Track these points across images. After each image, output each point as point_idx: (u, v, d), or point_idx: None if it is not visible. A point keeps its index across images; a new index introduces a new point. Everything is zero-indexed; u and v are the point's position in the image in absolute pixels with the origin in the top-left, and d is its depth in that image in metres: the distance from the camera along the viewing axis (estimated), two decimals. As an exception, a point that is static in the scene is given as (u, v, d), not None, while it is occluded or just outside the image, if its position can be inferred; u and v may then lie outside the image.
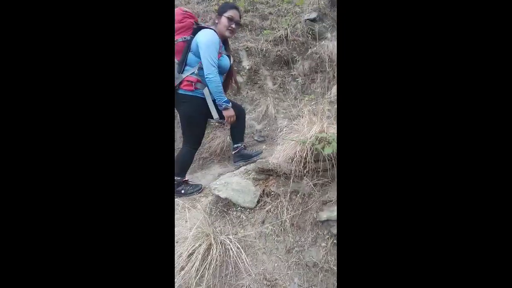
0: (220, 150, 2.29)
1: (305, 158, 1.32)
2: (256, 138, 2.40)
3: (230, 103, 1.72)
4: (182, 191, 1.74)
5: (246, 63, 2.84)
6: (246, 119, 2.03)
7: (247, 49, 2.86)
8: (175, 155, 1.77)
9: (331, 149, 1.23)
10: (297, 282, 1.14)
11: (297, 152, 1.33)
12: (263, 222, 1.34)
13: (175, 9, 1.63)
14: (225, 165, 2.19)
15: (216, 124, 2.42)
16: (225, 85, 1.84)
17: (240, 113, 1.88)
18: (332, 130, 1.33)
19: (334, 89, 2.55)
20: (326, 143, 1.25)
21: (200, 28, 1.66)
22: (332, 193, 1.29)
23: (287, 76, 2.87)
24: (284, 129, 1.62)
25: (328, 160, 1.28)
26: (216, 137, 2.36)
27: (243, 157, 1.94)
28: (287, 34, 2.90)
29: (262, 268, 1.18)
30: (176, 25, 1.61)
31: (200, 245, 1.18)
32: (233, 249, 1.19)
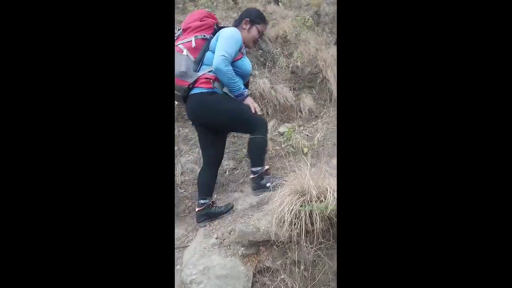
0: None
1: (300, 219, 1.16)
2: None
3: (248, 90, 1.51)
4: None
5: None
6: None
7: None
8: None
9: (331, 207, 1.12)
10: None
11: (292, 211, 1.15)
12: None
13: (198, 10, 1.50)
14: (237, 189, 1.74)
15: None
16: None
17: (261, 125, 1.51)
18: (328, 181, 1.22)
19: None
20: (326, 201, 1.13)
21: (221, 27, 1.49)
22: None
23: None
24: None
25: (328, 218, 1.16)
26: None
27: (262, 187, 1.52)
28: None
29: None
30: (195, 23, 1.47)
31: None
32: None
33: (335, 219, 1.15)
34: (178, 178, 2.02)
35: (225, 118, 1.48)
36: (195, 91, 1.44)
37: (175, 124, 2.14)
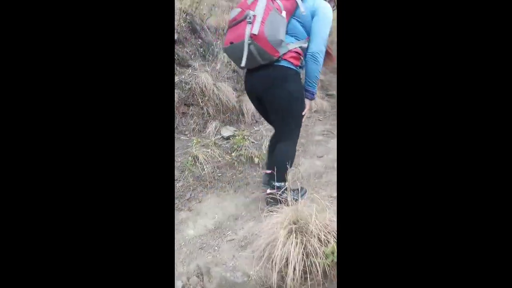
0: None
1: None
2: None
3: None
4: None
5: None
6: None
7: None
8: (272, 157, 1.35)
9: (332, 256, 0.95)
10: None
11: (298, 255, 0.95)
12: None
13: None
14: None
15: None
16: None
17: (297, 133, 1.36)
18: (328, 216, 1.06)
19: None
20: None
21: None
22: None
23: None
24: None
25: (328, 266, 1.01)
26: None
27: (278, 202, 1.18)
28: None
29: None
30: None
31: None
32: None
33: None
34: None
35: (286, 103, 1.21)
36: (283, 63, 1.16)
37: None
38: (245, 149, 2.03)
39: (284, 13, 1.10)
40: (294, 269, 0.92)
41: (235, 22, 1.12)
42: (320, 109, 2.95)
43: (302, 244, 0.96)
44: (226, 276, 0.99)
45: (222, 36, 2.95)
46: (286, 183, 1.24)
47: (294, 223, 1.01)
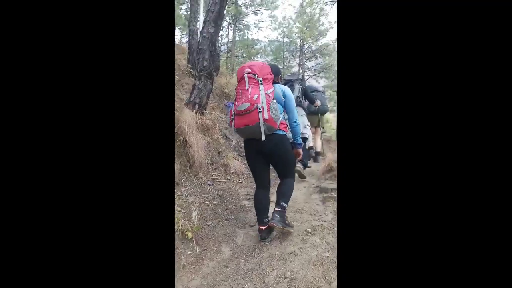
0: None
1: None
2: None
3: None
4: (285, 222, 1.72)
5: None
6: None
7: None
8: (282, 187, 1.80)
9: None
10: None
11: None
12: None
13: (264, 64, 1.75)
14: None
15: None
16: None
17: (293, 172, 1.99)
18: None
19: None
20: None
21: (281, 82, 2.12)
22: None
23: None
24: None
25: None
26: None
27: (284, 221, 1.71)
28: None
29: None
30: (270, 76, 1.71)
31: None
32: None
33: None
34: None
35: (286, 157, 1.78)
36: (279, 132, 1.70)
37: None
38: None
39: (274, 100, 1.66)
40: None
41: (248, 112, 1.59)
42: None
43: None
44: None
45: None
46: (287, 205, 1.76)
47: None
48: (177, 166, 2.51)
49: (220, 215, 2.09)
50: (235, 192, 2.55)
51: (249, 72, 1.64)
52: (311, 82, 16.24)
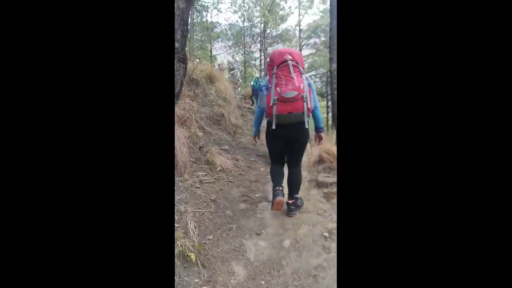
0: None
1: None
2: None
3: None
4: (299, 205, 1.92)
5: None
6: None
7: None
8: (290, 178, 1.88)
9: None
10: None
11: None
12: None
13: (296, 51, 1.81)
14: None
15: None
16: None
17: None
18: None
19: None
20: None
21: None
22: None
23: None
24: None
25: None
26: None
27: (298, 207, 1.91)
28: None
29: None
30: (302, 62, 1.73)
31: None
32: None
33: None
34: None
35: (304, 145, 1.89)
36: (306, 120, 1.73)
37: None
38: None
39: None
40: None
41: (294, 100, 1.60)
42: (225, 168, 2.72)
43: None
44: None
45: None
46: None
47: None
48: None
49: (220, 225, 1.79)
50: (229, 194, 2.25)
51: (291, 59, 1.63)
52: (273, 68, 16.17)
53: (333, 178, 2.34)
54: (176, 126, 2.57)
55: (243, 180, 2.55)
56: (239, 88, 9.47)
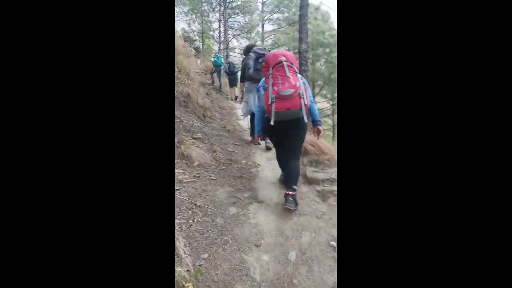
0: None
1: None
2: None
3: None
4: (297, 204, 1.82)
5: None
6: None
7: None
8: (289, 170, 1.84)
9: None
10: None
11: None
12: None
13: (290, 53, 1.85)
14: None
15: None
16: None
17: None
18: None
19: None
20: None
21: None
22: None
23: None
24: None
25: None
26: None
27: (295, 204, 1.81)
28: None
29: None
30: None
31: None
32: None
33: None
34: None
35: (302, 140, 1.93)
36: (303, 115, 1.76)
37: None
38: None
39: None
40: None
41: (291, 97, 1.67)
42: (203, 163, 2.38)
43: None
44: None
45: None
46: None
47: None
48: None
49: (213, 239, 1.53)
50: (214, 196, 1.96)
51: (285, 60, 1.73)
52: (233, 42, 15.08)
53: (323, 174, 2.24)
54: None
55: (226, 177, 2.27)
56: (199, 61, 8.63)
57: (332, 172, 2.24)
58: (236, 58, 12.80)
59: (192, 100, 3.97)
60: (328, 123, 10.27)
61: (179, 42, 5.35)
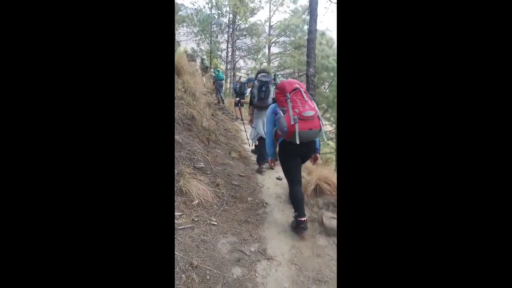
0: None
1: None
2: None
3: None
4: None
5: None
6: None
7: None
8: (299, 194, 1.84)
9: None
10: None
11: None
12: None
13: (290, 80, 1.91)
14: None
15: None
16: None
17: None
18: None
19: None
20: None
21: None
22: None
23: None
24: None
25: None
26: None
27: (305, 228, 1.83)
28: None
29: None
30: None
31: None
32: None
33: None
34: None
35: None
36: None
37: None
38: None
39: None
40: None
41: (312, 118, 1.73)
42: (204, 201, 2.04)
43: None
44: None
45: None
46: None
47: None
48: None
49: (212, 321, 1.15)
50: (215, 249, 1.60)
51: (300, 87, 1.80)
52: (239, 62, 15.16)
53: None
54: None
55: (229, 221, 1.92)
56: (205, 79, 8.50)
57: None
58: (244, 78, 12.78)
59: (197, 122, 3.70)
60: (332, 146, 10.01)
61: (185, 61, 5.18)
